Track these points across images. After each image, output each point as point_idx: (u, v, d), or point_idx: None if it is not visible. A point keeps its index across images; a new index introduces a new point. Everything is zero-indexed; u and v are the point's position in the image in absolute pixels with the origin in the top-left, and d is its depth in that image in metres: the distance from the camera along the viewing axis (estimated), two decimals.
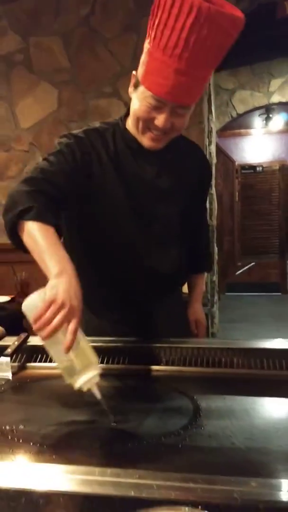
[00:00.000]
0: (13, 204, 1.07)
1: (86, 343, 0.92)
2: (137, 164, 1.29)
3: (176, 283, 1.48)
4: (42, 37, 3.62)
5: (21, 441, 0.80)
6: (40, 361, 1.22)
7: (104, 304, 1.37)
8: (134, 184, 1.28)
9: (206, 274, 1.74)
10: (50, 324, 0.87)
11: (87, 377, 0.88)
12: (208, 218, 3.78)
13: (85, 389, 0.89)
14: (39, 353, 1.23)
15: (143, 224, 1.30)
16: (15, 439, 0.81)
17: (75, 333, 0.87)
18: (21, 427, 0.87)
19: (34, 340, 1.28)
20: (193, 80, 1.13)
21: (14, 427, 0.86)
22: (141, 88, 1.17)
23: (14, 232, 1.08)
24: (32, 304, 0.93)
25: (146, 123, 1.21)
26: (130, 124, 1.28)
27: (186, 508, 0.44)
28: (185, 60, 1.08)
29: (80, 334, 0.91)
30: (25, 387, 1.11)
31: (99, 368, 0.91)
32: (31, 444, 0.78)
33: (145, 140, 1.25)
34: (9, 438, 0.81)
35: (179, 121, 1.20)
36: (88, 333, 0.98)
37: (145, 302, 1.37)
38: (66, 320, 0.87)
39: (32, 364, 1.21)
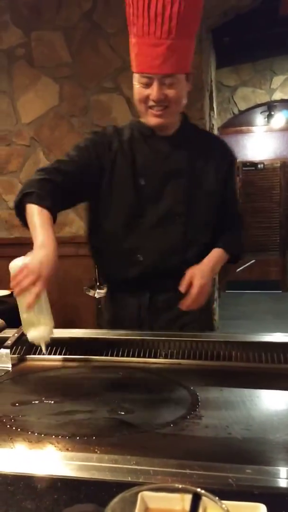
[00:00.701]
0: (22, 188, 1.33)
1: (47, 308, 1.12)
2: (149, 148, 1.42)
3: (181, 259, 1.44)
4: (44, 32, 3.62)
5: (20, 430, 0.81)
6: (39, 354, 1.22)
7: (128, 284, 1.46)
8: (145, 165, 1.41)
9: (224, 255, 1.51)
10: (19, 284, 1.08)
11: (39, 333, 1.10)
12: None
13: (36, 342, 1.11)
14: (39, 346, 1.24)
15: (150, 202, 1.41)
16: (14, 428, 0.81)
17: (37, 295, 1.08)
18: (20, 416, 0.88)
19: None
20: (169, 50, 1.27)
21: (13, 417, 0.87)
22: (134, 75, 1.35)
23: (19, 212, 1.34)
24: (15, 266, 1.13)
25: (145, 102, 1.34)
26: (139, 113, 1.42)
27: (180, 486, 0.45)
28: (153, 34, 1.27)
29: (44, 299, 1.12)
30: (25, 379, 1.12)
31: (52, 332, 1.11)
32: (30, 432, 0.79)
33: (150, 119, 1.37)
34: (8, 427, 0.82)
35: (171, 91, 1.32)
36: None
37: (156, 282, 1.44)
38: (32, 283, 1.08)
39: (32, 356, 1.22)
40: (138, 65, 1.33)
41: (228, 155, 1.59)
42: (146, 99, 1.33)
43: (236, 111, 5.86)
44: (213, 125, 3.99)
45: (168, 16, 1.24)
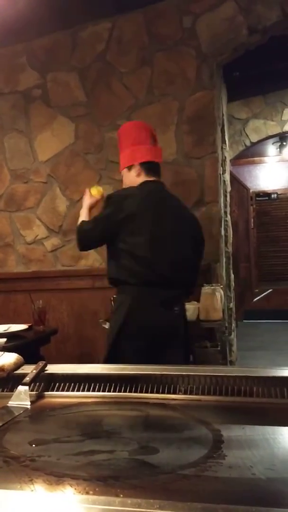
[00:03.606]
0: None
1: None
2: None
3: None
4: (59, 73, 3.75)
5: (40, 470, 0.79)
6: (58, 390, 1.22)
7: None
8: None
9: None
10: None
11: None
12: (223, 244, 3.79)
13: None
14: (57, 382, 1.23)
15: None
16: (34, 468, 0.80)
17: None
18: (40, 456, 0.86)
19: (52, 368, 1.29)
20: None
21: (32, 457, 0.85)
22: None
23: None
24: None
25: None
26: None
27: None
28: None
29: None
30: (44, 416, 1.11)
31: None
32: (49, 474, 0.78)
33: None
34: (28, 467, 0.81)
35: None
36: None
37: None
38: None
39: (50, 392, 1.21)
40: None
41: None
42: None
43: (248, 143, 5.94)
44: (225, 157, 4.04)
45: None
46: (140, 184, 2.35)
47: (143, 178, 2.37)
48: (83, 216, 2.48)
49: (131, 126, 2.53)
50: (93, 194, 2.58)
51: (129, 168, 2.41)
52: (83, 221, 2.43)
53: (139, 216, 2.23)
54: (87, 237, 2.36)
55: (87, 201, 2.55)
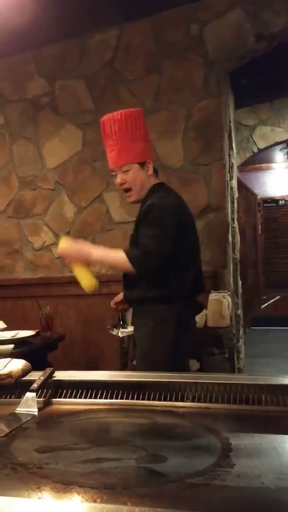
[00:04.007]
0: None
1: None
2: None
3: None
4: (67, 81, 3.78)
5: (47, 478, 0.79)
6: (65, 397, 1.22)
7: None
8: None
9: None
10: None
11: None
12: (231, 251, 3.78)
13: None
14: (65, 389, 1.23)
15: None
16: (42, 476, 0.80)
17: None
18: (48, 464, 0.86)
19: (59, 375, 1.29)
20: (119, 151, 2.06)
21: (40, 464, 0.85)
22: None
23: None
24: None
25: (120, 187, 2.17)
26: None
27: None
28: (110, 144, 2.10)
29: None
30: (51, 423, 1.11)
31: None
32: (57, 482, 0.77)
33: (127, 199, 2.21)
34: (36, 475, 0.81)
35: (126, 176, 2.08)
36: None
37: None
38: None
39: (58, 399, 1.21)
40: (109, 164, 2.13)
41: (147, 204, 2.06)
42: (119, 185, 2.14)
43: (255, 150, 5.94)
44: (232, 164, 4.04)
45: (114, 131, 2.06)
46: (164, 187, 2.15)
47: (153, 179, 2.13)
48: (106, 251, 2.07)
49: (141, 115, 2.13)
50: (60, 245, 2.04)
51: (142, 165, 2.08)
52: (130, 248, 2.04)
53: (190, 227, 2.12)
54: (160, 256, 1.96)
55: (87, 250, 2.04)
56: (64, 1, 3.18)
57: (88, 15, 3.43)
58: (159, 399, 1.16)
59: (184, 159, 3.46)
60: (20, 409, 1.14)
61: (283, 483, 0.76)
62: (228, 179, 3.73)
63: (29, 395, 1.17)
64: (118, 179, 2.09)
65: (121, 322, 3.03)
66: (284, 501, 0.71)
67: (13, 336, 2.59)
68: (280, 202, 7.55)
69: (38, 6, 3.08)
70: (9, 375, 1.26)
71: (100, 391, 1.21)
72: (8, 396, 1.25)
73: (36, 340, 2.75)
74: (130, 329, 3.06)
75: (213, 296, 3.06)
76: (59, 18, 3.36)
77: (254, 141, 5.90)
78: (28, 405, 1.15)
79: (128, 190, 2.10)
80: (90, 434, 1.03)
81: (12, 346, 2.30)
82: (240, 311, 4.28)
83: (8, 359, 1.34)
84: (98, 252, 2.03)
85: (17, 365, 1.30)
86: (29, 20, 3.21)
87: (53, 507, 0.70)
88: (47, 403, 1.21)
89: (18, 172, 3.95)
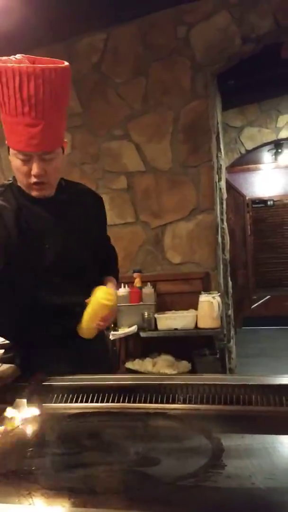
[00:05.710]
0: None
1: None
2: (36, 214, 1.44)
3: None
4: None
5: (38, 483, 0.79)
6: (56, 401, 1.21)
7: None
8: (35, 230, 1.43)
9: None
10: None
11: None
12: (220, 252, 3.79)
13: None
14: (55, 393, 1.23)
15: (51, 265, 1.44)
16: (32, 481, 0.80)
17: None
18: (38, 469, 0.86)
19: (50, 380, 1.28)
20: (45, 128, 1.30)
21: (30, 469, 0.85)
22: (10, 150, 1.37)
23: None
24: None
25: (27, 177, 1.37)
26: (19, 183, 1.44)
27: None
28: (28, 114, 1.27)
29: None
30: (42, 428, 1.11)
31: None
32: (48, 487, 0.77)
33: (33, 192, 1.41)
34: (26, 481, 0.80)
35: (50, 167, 1.37)
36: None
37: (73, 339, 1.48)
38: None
39: (48, 404, 1.21)
40: (15, 143, 1.33)
41: (96, 198, 1.65)
42: (27, 174, 1.37)
43: (243, 151, 5.97)
44: (220, 165, 4.06)
45: (41, 98, 1.26)
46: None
47: None
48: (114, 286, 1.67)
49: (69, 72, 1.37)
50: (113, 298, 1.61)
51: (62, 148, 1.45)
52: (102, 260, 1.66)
53: None
54: None
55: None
56: (52, 5, 3.17)
57: (75, 18, 3.43)
58: (150, 402, 1.16)
59: (173, 161, 3.47)
60: (10, 414, 1.13)
61: (273, 483, 0.76)
62: (217, 180, 3.75)
63: (20, 400, 1.17)
64: (35, 169, 1.35)
65: (112, 325, 3.02)
66: (275, 502, 0.71)
67: (3, 341, 2.57)
68: (269, 203, 7.60)
69: (26, 11, 3.07)
70: None
71: (91, 395, 1.20)
72: None
73: None
74: (122, 331, 3.06)
75: (203, 297, 3.07)
76: (46, 20, 3.35)
77: (242, 142, 5.93)
78: (19, 410, 1.15)
79: (42, 183, 1.40)
80: (81, 438, 1.03)
81: (1, 351, 2.28)
82: (231, 312, 4.29)
83: None
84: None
85: (6, 370, 1.30)
86: (17, 24, 3.20)
87: None
88: (38, 408, 1.20)
89: (7, 175, 3.92)
